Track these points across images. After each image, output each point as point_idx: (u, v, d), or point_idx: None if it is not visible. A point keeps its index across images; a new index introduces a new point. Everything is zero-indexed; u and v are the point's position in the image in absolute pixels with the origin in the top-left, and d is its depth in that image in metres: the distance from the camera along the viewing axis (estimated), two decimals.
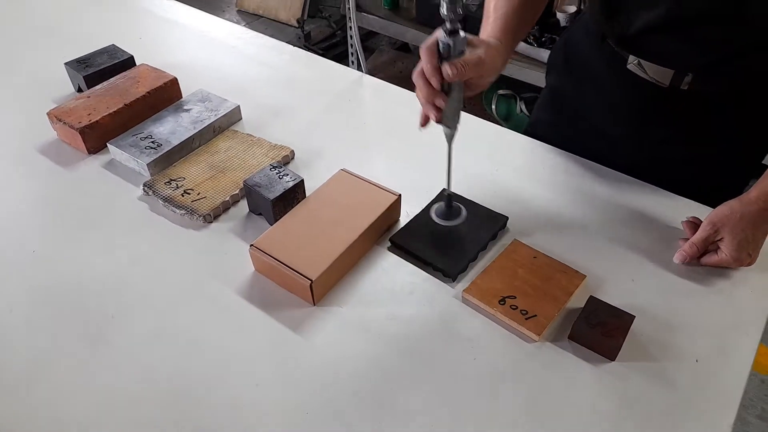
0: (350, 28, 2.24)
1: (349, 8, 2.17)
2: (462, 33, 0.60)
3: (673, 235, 0.75)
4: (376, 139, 0.93)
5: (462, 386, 0.60)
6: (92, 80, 0.97)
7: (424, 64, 0.61)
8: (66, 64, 1.00)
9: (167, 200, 0.79)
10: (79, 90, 1.02)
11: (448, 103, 0.64)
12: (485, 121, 0.96)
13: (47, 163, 0.88)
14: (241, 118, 0.97)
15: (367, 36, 2.69)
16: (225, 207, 0.80)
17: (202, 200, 0.79)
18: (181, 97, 0.99)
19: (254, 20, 3.11)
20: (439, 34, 0.60)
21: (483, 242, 0.74)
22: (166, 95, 0.96)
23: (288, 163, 0.88)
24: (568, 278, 0.69)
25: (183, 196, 0.80)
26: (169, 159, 0.86)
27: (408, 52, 2.63)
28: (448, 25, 0.59)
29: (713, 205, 0.73)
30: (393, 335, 0.65)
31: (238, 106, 0.95)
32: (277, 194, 0.74)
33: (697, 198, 0.81)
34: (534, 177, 0.85)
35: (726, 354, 0.62)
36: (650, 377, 0.60)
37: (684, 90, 0.76)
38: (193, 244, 0.75)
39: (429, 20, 2.05)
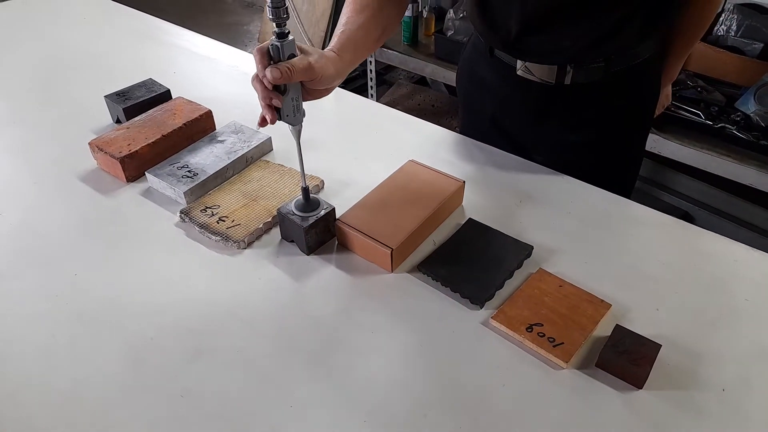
0: (370, 62, 2.30)
1: None
2: (290, 37, 0.65)
3: (696, 266, 0.77)
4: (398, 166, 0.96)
5: (492, 412, 0.61)
6: (131, 112, 1.02)
7: (257, 66, 0.66)
8: (106, 96, 1.05)
9: (203, 227, 0.82)
10: (118, 121, 1.06)
11: (284, 102, 0.69)
12: (507, 154, 0.98)
13: (87, 190, 0.92)
14: (272, 149, 1.00)
15: (385, 69, 2.77)
16: (258, 234, 0.83)
17: (236, 227, 0.82)
18: (215, 129, 1.03)
19: None
20: (271, 38, 0.66)
21: (509, 271, 0.76)
22: (200, 127, 1.00)
23: (318, 192, 0.91)
24: (593, 307, 0.71)
25: (218, 223, 0.83)
26: (204, 187, 0.89)
27: (426, 85, 2.69)
28: (276, 29, 0.65)
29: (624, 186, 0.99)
30: (421, 359, 0.66)
31: (270, 137, 0.99)
32: (310, 222, 0.78)
33: (609, 178, 0.95)
34: (557, 207, 0.87)
35: (752, 383, 0.63)
36: (678, 406, 0.61)
37: (568, 85, 0.89)
38: (228, 270, 0.78)
39: (448, 56, 2.12)
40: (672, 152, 1.67)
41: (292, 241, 0.82)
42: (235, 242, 0.80)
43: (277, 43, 0.65)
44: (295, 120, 0.72)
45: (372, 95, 2.41)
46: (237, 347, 0.68)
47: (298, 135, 0.75)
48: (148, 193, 0.91)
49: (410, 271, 0.77)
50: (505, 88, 0.96)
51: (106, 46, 1.37)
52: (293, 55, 0.66)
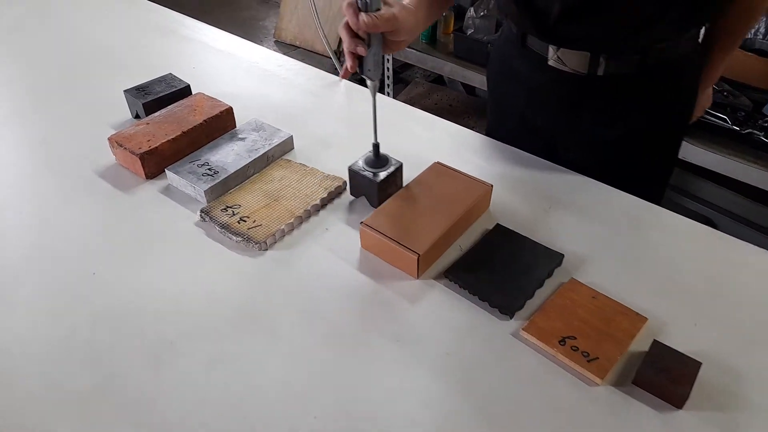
0: (387, 59, 2.28)
1: None
2: None
3: (733, 277, 0.74)
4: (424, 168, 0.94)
5: (523, 429, 0.59)
6: (150, 107, 1.00)
7: (348, 17, 0.71)
8: (125, 91, 1.03)
9: (224, 227, 0.80)
10: (137, 116, 1.05)
11: (369, 55, 0.73)
12: (534, 156, 0.96)
13: (106, 186, 0.90)
14: (293, 148, 0.98)
15: (401, 68, 2.74)
16: (280, 235, 0.80)
17: (257, 228, 0.80)
18: (236, 126, 1.01)
19: (291, 50, 3.19)
20: None
21: (539, 280, 0.73)
22: (221, 124, 0.98)
23: (341, 193, 0.89)
24: (629, 320, 0.68)
25: (239, 223, 0.81)
26: (225, 186, 0.87)
27: (442, 84, 2.66)
28: None
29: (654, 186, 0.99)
30: (449, 372, 0.64)
31: (291, 136, 0.97)
32: (382, 177, 0.82)
33: (641, 178, 0.95)
34: (587, 214, 0.84)
35: None
36: (720, 428, 0.58)
37: (600, 76, 0.86)
38: (248, 271, 0.76)
39: (467, 55, 2.08)
40: (697, 158, 1.63)
41: (362, 196, 0.86)
42: (256, 243, 0.78)
43: None
44: (375, 74, 0.76)
45: (389, 93, 2.38)
46: (257, 353, 0.66)
47: (374, 91, 0.78)
48: (167, 191, 0.89)
49: (436, 278, 0.75)
50: (536, 80, 0.94)
51: (125, 39, 1.35)
52: (379, 9, 0.71)
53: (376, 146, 0.83)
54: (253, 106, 1.08)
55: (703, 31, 0.88)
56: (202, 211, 0.83)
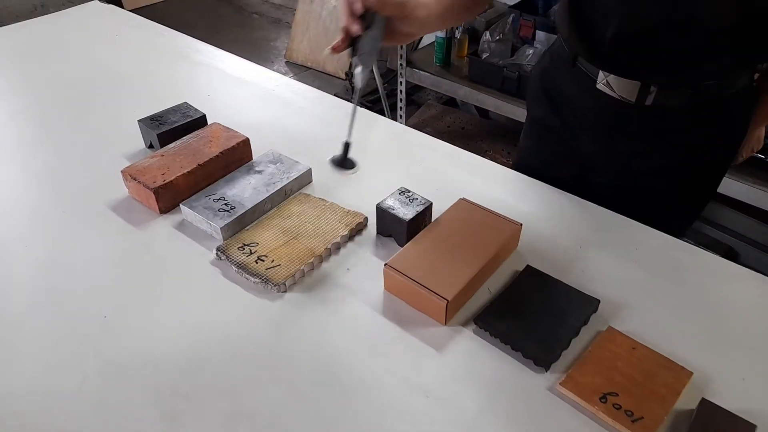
0: (400, 82, 2.26)
1: (400, 64, 2.20)
2: None
3: None
4: (448, 203, 0.90)
5: None
6: (165, 138, 0.98)
7: None
8: (139, 121, 1.01)
9: (241, 267, 0.77)
10: (150, 146, 1.02)
11: (365, 38, 0.66)
12: (564, 192, 0.92)
13: (118, 221, 0.87)
14: (312, 181, 0.95)
15: (413, 89, 2.72)
16: (300, 276, 0.77)
17: (276, 268, 0.76)
18: (252, 158, 0.98)
19: (302, 71, 3.19)
20: None
21: (575, 328, 0.69)
22: (237, 155, 0.96)
23: (362, 230, 0.85)
24: (673, 375, 0.64)
25: (257, 263, 0.77)
26: (241, 222, 0.84)
27: (455, 106, 2.64)
28: None
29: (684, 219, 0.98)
30: (481, 430, 0.60)
31: (310, 168, 0.94)
32: (411, 216, 0.78)
33: (671, 211, 0.95)
34: (622, 254, 0.80)
35: None
36: None
37: (648, 105, 0.83)
38: (266, 315, 0.72)
39: (482, 79, 2.06)
40: (723, 187, 1.58)
41: (389, 236, 0.82)
42: (275, 285, 0.74)
43: None
44: (368, 61, 0.69)
45: (401, 116, 2.36)
46: (276, 409, 0.62)
47: (363, 82, 0.70)
48: (182, 226, 0.86)
49: (465, 324, 0.71)
50: (581, 100, 0.91)
51: (138, 65, 1.33)
52: None
53: (346, 145, 0.74)
54: (269, 136, 1.05)
55: (760, 70, 0.86)
56: (218, 250, 0.80)
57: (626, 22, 0.78)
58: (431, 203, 0.82)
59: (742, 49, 0.77)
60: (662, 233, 0.84)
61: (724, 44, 0.75)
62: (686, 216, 1.02)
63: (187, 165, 0.90)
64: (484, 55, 2.06)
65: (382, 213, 0.81)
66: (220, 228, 0.81)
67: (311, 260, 0.78)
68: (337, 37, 0.69)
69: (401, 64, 2.20)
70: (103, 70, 1.31)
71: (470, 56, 2.12)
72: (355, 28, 0.66)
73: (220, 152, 0.93)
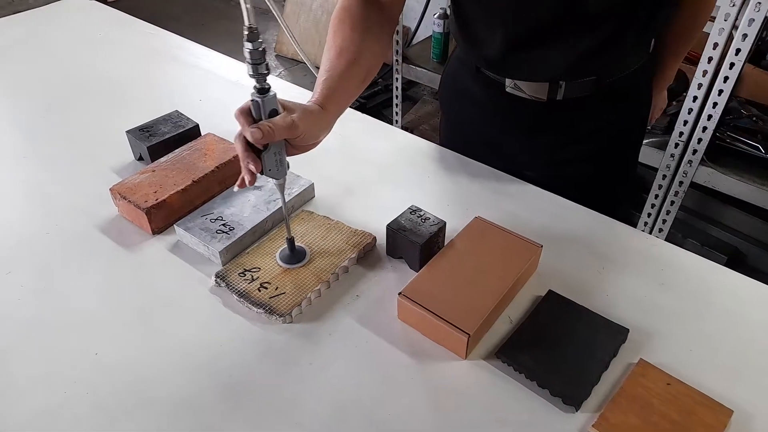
0: (396, 79, 2.20)
1: (396, 60, 2.13)
2: (272, 92, 0.63)
3: None
4: (461, 219, 0.85)
5: None
6: (156, 151, 0.91)
7: (241, 128, 0.64)
8: (128, 132, 0.94)
9: (242, 295, 0.71)
10: (140, 159, 0.96)
11: (268, 155, 0.66)
12: (584, 207, 0.87)
13: (107, 243, 0.81)
14: (314, 196, 0.89)
15: (408, 84, 2.66)
16: (306, 304, 0.71)
17: (280, 297, 0.71)
18: None
19: (293, 65, 3.11)
20: (251, 93, 0.63)
21: (605, 361, 0.64)
22: (235, 169, 0.89)
23: (370, 251, 0.80)
24: (712, 414, 0.59)
25: (259, 290, 0.72)
26: (241, 244, 0.79)
27: None
28: (256, 84, 0.62)
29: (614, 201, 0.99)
30: None
31: (312, 183, 0.88)
32: (425, 239, 0.73)
33: (604, 191, 0.98)
34: (646, 275, 0.76)
35: None
36: None
37: (560, 100, 0.84)
38: (271, 349, 0.67)
39: None
40: (728, 187, 1.55)
41: (400, 257, 0.77)
42: (280, 316, 0.69)
43: (258, 99, 0.63)
44: (279, 174, 0.69)
45: (397, 113, 2.30)
46: None
47: (281, 189, 0.71)
48: (177, 249, 0.80)
49: (486, 358, 0.66)
50: (493, 104, 0.92)
51: (124, 67, 1.26)
52: (275, 111, 0.64)
53: (290, 240, 0.74)
54: None
55: (652, 42, 0.89)
56: (217, 276, 0.74)
57: (513, 27, 0.78)
58: (445, 223, 0.76)
59: (631, 31, 0.78)
60: (689, 252, 0.79)
61: (615, 30, 0.76)
62: (624, 192, 1.06)
63: (181, 181, 0.84)
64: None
65: (393, 235, 0.76)
66: (219, 252, 0.76)
67: (318, 287, 0.72)
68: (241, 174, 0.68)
69: (397, 60, 2.14)
70: (86, 73, 1.24)
71: None
72: (254, 167, 0.65)
73: (216, 166, 0.87)
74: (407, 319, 0.69)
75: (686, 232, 1.80)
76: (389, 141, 1.04)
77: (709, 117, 1.47)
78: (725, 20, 1.32)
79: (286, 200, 0.84)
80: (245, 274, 0.74)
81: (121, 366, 0.65)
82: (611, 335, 0.67)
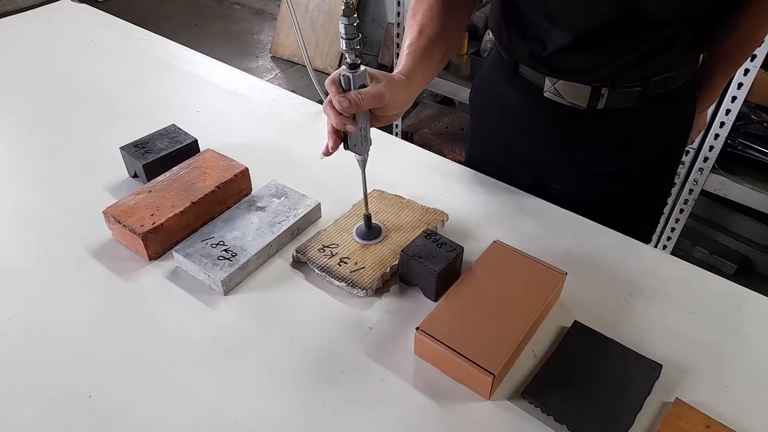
0: None
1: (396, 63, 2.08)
2: (362, 67, 0.65)
3: None
4: (478, 242, 0.81)
5: None
6: (152, 169, 0.86)
7: (332, 96, 0.65)
8: (122, 148, 0.89)
9: (324, 269, 0.72)
10: (135, 176, 0.90)
11: (352, 133, 0.68)
12: (607, 228, 0.83)
13: (101, 271, 0.76)
14: (321, 216, 0.85)
15: None
16: (386, 278, 0.71)
17: (361, 271, 0.71)
18: (251, 190, 0.87)
19: (289, 67, 3.05)
20: (342, 68, 0.65)
21: (638, 402, 0.60)
22: (236, 188, 0.85)
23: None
24: None
25: (339, 265, 0.73)
26: (245, 271, 0.74)
27: (451, 105, 2.53)
28: (348, 59, 0.64)
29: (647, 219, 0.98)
30: None
31: (319, 203, 0.83)
32: (441, 267, 0.69)
33: (636, 209, 0.94)
34: (676, 303, 0.72)
35: None
36: None
37: (601, 110, 0.80)
38: (283, 390, 0.62)
39: None
40: (740, 196, 1.51)
41: (415, 285, 0.73)
42: (361, 289, 0.65)
43: (348, 74, 0.64)
44: (362, 149, 0.71)
45: None
46: None
47: (363, 165, 0.73)
48: (175, 276, 0.75)
49: (511, 398, 0.62)
50: (528, 111, 0.87)
51: (117, 76, 1.20)
52: (364, 86, 0.65)
53: (367, 217, 0.76)
54: (270, 163, 0.94)
55: (701, 57, 0.83)
56: (297, 251, 0.76)
57: (575, 24, 0.74)
58: (462, 249, 0.72)
59: (685, 41, 0.74)
60: (719, 277, 0.75)
61: (669, 37, 0.73)
62: (653, 214, 1.02)
63: (180, 203, 0.79)
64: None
65: (407, 262, 0.71)
66: (221, 281, 0.71)
67: (395, 262, 0.73)
68: (327, 141, 0.69)
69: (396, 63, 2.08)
70: (75, 82, 1.18)
71: (472, 56, 2.01)
72: (351, 128, 0.66)
73: (217, 186, 0.82)
74: (425, 355, 0.65)
75: (695, 240, 1.77)
76: (398, 156, 0.99)
77: (722, 124, 1.43)
78: None
79: (292, 224, 0.79)
80: (324, 250, 0.74)
81: (118, 411, 0.60)
82: (644, 372, 0.63)
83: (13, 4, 3.49)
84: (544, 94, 0.82)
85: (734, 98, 1.38)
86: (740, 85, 1.35)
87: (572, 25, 0.74)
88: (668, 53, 0.75)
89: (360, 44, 0.63)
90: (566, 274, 0.70)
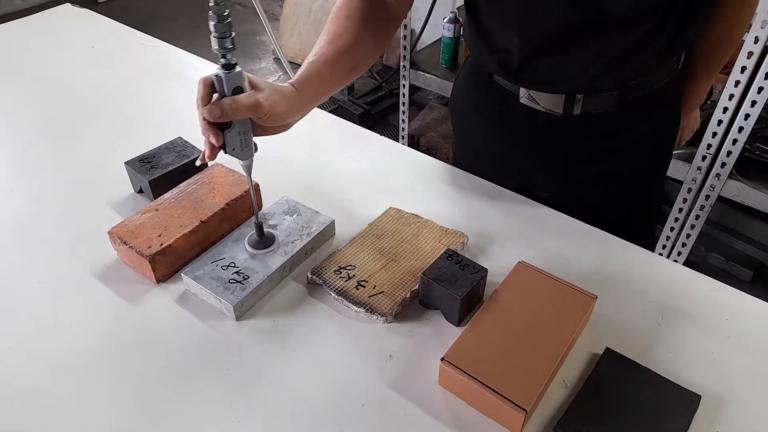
0: (403, 86, 2.11)
1: (403, 66, 2.05)
2: (237, 68, 0.61)
3: None
4: (496, 260, 0.77)
5: None
6: (158, 185, 0.83)
7: (200, 99, 0.62)
8: (127, 163, 0.86)
9: (341, 293, 0.64)
10: (140, 191, 0.87)
11: (231, 135, 0.63)
12: (635, 246, 0.79)
13: (107, 294, 0.73)
14: (334, 234, 0.81)
15: (413, 89, 2.57)
16: (405, 303, 0.64)
17: (379, 296, 0.63)
18: (262, 206, 0.84)
19: (292, 69, 3.01)
20: (217, 68, 0.61)
21: None
22: (245, 205, 0.81)
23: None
24: None
25: (357, 289, 0.65)
26: (257, 294, 0.70)
27: None
28: (221, 59, 0.60)
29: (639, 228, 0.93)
30: None
31: (333, 221, 0.80)
32: (465, 292, 0.65)
33: (625, 216, 0.90)
34: (711, 327, 0.68)
35: None
36: None
37: (577, 115, 0.78)
38: (298, 423, 0.59)
39: None
40: (758, 202, 1.48)
41: (436, 308, 0.69)
42: (381, 315, 0.61)
43: (221, 74, 0.60)
44: (244, 155, 0.66)
45: (404, 120, 2.21)
46: None
47: (248, 170, 0.68)
48: (184, 300, 0.72)
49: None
50: (506, 115, 0.86)
51: (120, 84, 1.17)
52: (240, 89, 0.61)
53: (259, 225, 0.73)
54: (277, 175, 0.90)
55: (681, 58, 0.81)
56: (313, 273, 0.72)
57: (531, 32, 0.73)
58: (486, 271, 0.68)
59: (659, 41, 0.71)
60: (755, 298, 0.72)
61: (640, 38, 0.70)
62: (646, 218, 1.00)
63: (188, 222, 0.75)
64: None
65: (429, 285, 0.68)
66: (233, 306, 0.67)
67: (415, 286, 0.70)
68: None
69: (404, 66, 2.05)
70: (78, 91, 1.14)
71: None
72: (214, 139, 0.62)
73: (226, 204, 0.79)
74: (450, 387, 0.61)
75: (710, 246, 1.73)
76: (409, 167, 0.95)
77: (740, 129, 1.39)
78: (762, 28, 1.25)
79: (305, 243, 0.76)
80: (341, 272, 0.71)
81: None
82: (682, 403, 0.59)
83: (13, 5, 3.46)
84: (520, 100, 0.82)
85: (753, 102, 1.34)
86: (760, 89, 1.31)
87: (531, 31, 0.73)
88: (642, 56, 0.72)
89: (233, 43, 0.59)
90: (596, 297, 0.67)
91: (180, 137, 0.91)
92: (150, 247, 0.72)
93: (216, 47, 0.59)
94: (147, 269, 0.72)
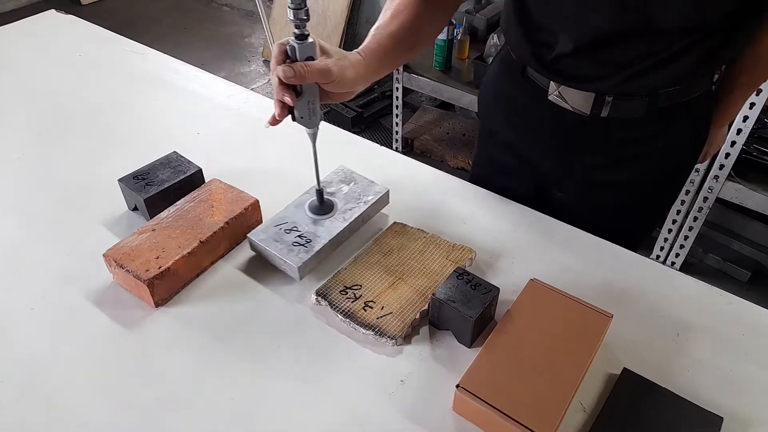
0: (396, 88, 2.08)
1: (396, 69, 2.02)
2: (310, 39, 0.63)
3: None
4: (507, 275, 0.75)
5: None
6: (154, 203, 0.80)
7: (272, 62, 0.64)
8: (120, 180, 0.82)
9: (348, 315, 0.63)
10: (135, 209, 0.84)
11: (300, 105, 0.66)
12: (646, 259, 0.78)
13: (103, 321, 0.70)
14: (389, 202, 0.83)
15: (405, 91, 2.55)
16: (416, 324, 0.61)
17: (387, 317, 0.61)
18: (262, 221, 0.81)
19: None
20: (291, 37, 0.63)
21: None
22: (246, 222, 0.79)
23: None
24: None
25: (365, 310, 0.64)
26: (319, 256, 0.73)
27: (451, 110, 2.47)
28: (295, 30, 0.62)
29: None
30: None
31: (388, 190, 0.82)
32: (478, 312, 0.63)
33: (631, 218, 0.91)
34: (729, 344, 0.67)
35: None
36: None
37: (604, 117, 0.78)
38: None
39: None
40: (757, 204, 1.47)
41: (447, 329, 0.68)
42: (390, 338, 0.58)
43: (294, 44, 0.62)
44: (310, 123, 0.69)
45: (397, 123, 2.19)
46: None
47: (313, 139, 0.72)
48: (184, 324, 0.69)
49: None
50: (533, 112, 0.85)
51: (109, 96, 1.13)
52: (311, 59, 0.64)
53: (319, 192, 0.77)
54: (276, 188, 0.87)
55: (720, 71, 0.81)
56: (318, 294, 0.69)
57: (580, 31, 0.72)
58: (499, 290, 0.66)
59: (698, 53, 0.71)
60: (764, 309, 0.71)
61: (680, 49, 0.70)
62: (650, 225, 1.01)
63: (187, 243, 0.72)
64: (490, 60, 1.89)
65: (440, 306, 0.66)
66: (297, 267, 0.65)
67: (425, 306, 0.68)
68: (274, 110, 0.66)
69: (398, 69, 2.02)
70: (66, 104, 1.11)
71: (475, 61, 1.95)
72: (288, 100, 0.64)
73: (226, 222, 0.76)
74: (466, 414, 0.59)
75: (707, 247, 1.73)
76: (411, 177, 0.93)
77: (739, 131, 1.39)
78: None
79: (363, 209, 0.79)
80: (347, 292, 0.69)
81: None
82: (704, 426, 0.58)
83: (2, 5, 3.38)
84: (549, 97, 0.81)
85: (752, 104, 1.33)
86: (758, 91, 1.31)
87: (578, 32, 0.72)
88: (678, 65, 0.72)
89: (307, 15, 0.61)
90: (612, 316, 0.65)
91: (175, 152, 0.87)
92: (148, 270, 0.69)
93: (291, 17, 0.61)
94: (145, 293, 0.69)
